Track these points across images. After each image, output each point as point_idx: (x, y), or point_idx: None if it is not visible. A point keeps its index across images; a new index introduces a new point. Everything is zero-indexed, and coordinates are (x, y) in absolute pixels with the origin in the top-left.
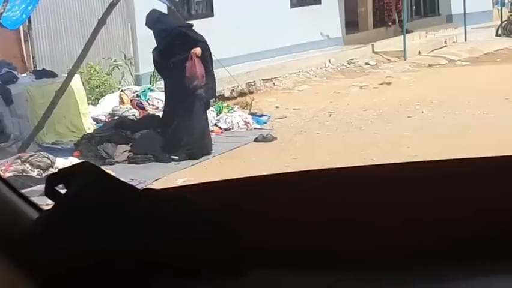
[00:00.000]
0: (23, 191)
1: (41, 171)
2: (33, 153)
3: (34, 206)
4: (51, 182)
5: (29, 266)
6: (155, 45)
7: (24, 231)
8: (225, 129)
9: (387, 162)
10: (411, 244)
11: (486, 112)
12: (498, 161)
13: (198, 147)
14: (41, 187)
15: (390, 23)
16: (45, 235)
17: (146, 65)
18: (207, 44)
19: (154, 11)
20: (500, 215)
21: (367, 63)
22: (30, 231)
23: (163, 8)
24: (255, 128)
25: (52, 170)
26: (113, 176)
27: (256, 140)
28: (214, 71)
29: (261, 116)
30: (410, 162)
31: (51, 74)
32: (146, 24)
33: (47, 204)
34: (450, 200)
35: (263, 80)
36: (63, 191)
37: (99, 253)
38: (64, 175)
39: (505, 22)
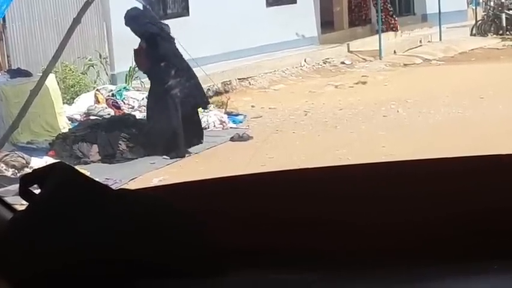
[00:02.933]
0: None
1: (16, 170)
2: (7, 152)
3: (8, 206)
4: (25, 183)
5: (3, 266)
6: (131, 43)
7: None
8: None
9: (363, 161)
10: (391, 243)
11: (461, 111)
12: (478, 160)
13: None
14: (16, 187)
15: (365, 23)
16: (19, 236)
17: (122, 64)
18: (176, 50)
19: (134, 9)
20: (480, 214)
21: (342, 63)
22: (4, 231)
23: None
24: (230, 128)
25: (27, 170)
26: (87, 176)
27: (232, 139)
28: None
29: (237, 115)
30: (390, 161)
31: (26, 73)
32: (125, 23)
33: (21, 204)
34: (430, 199)
35: (239, 79)
36: (37, 191)
37: (73, 253)
38: (38, 175)
39: (480, 21)
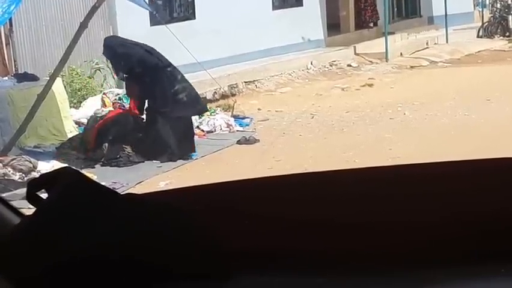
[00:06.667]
0: (4, 195)
1: (23, 174)
2: (15, 156)
3: (15, 211)
4: (32, 187)
5: (10, 271)
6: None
7: (6, 236)
8: (208, 132)
9: (370, 163)
10: (399, 246)
11: (468, 113)
12: (483, 163)
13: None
14: (23, 191)
15: (371, 25)
16: (26, 240)
17: None
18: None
19: (113, 38)
20: (479, 216)
21: (349, 65)
22: (12, 235)
23: (145, 13)
24: (237, 131)
25: (34, 174)
26: (94, 181)
27: (238, 142)
28: (196, 73)
29: (244, 118)
30: (396, 165)
31: (33, 78)
32: (103, 53)
33: (28, 208)
34: (438, 202)
35: (245, 82)
36: (45, 195)
37: (80, 256)
38: (45, 180)
39: (486, 23)
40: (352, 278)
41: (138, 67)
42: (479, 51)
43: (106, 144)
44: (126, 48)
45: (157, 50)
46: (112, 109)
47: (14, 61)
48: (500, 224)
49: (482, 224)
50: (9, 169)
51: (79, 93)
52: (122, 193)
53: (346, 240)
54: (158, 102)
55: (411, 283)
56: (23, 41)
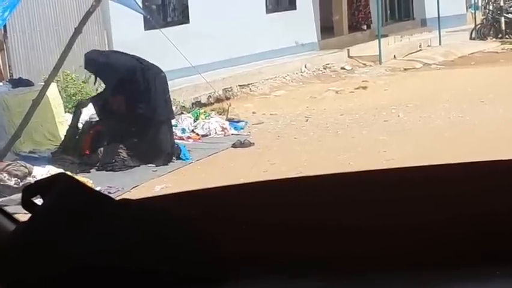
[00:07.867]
0: None
1: (19, 180)
2: (10, 162)
3: (10, 217)
4: (28, 194)
5: (5, 277)
6: (132, 51)
7: (1, 242)
8: (203, 136)
9: (365, 166)
10: (397, 249)
11: (461, 115)
12: (479, 165)
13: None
14: (19, 196)
15: (365, 28)
16: (22, 246)
17: None
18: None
19: (93, 52)
20: (476, 218)
21: (343, 68)
22: (7, 242)
23: (139, 17)
24: (232, 134)
25: (29, 179)
26: (89, 187)
27: (233, 145)
28: (191, 77)
29: (238, 121)
30: (392, 168)
31: (27, 83)
32: (85, 68)
33: (24, 213)
34: (433, 205)
35: (240, 85)
36: (40, 201)
37: (75, 262)
38: (40, 187)
39: (479, 25)
40: (351, 282)
41: (120, 78)
42: (472, 53)
43: (101, 149)
44: (106, 59)
45: (138, 56)
46: None
47: (9, 66)
48: (497, 225)
49: (479, 225)
50: (5, 174)
51: (74, 98)
52: (117, 198)
53: (344, 243)
54: (145, 106)
55: (410, 285)
56: (17, 47)
